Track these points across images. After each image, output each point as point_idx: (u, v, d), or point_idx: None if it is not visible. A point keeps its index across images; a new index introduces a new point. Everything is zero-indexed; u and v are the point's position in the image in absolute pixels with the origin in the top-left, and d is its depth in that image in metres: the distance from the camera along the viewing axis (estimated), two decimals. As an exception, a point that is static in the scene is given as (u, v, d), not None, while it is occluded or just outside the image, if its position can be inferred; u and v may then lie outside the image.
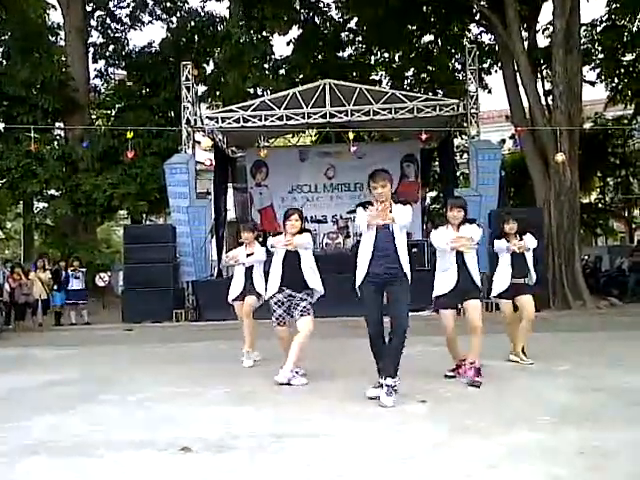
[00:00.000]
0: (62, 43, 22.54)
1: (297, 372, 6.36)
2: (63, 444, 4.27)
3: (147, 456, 3.94)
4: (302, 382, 6.24)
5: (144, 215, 22.44)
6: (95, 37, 23.37)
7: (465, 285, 6.15)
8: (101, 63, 23.65)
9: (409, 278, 5.46)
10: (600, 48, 20.12)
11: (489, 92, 22.82)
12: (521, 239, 7.18)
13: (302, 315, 6.38)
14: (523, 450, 3.80)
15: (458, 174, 20.69)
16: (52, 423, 4.92)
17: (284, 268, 6.46)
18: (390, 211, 5.42)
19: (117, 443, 4.23)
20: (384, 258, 5.41)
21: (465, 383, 5.91)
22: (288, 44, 22.55)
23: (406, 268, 5.45)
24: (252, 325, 7.77)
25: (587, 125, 21.77)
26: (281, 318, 6.54)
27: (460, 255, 6.17)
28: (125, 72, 23.73)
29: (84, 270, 16.17)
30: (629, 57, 20.40)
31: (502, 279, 7.21)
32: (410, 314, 5.36)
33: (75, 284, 15.60)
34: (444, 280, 6.26)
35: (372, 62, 24.29)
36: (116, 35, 23.57)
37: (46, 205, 21.36)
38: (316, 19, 22.94)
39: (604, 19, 19.96)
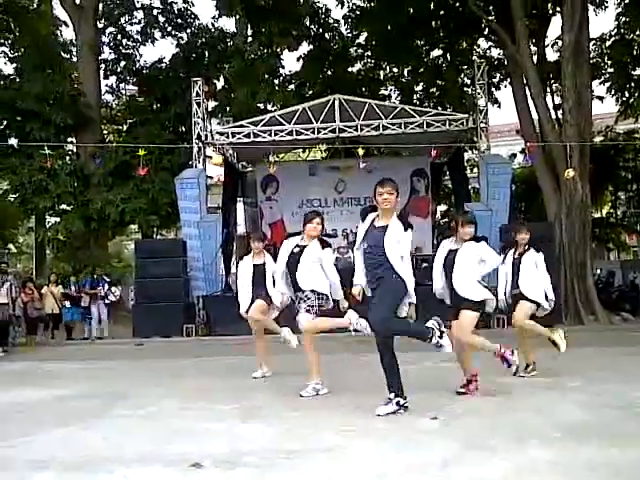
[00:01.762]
0: (74, 59, 22.78)
1: (316, 388, 6.35)
2: (73, 459, 4.26)
3: (156, 471, 3.92)
4: (309, 394, 6.27)
5: (155, 230, 22.54)
6: (107, 53, 23.68)
7: (454, 296, 6.04)
8: (112, 79, 24.03)
9: (399, 278, 5.18)
10: (610, 62, 20.15)
11: (499, 106, 22.86)
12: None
13: (303, 312, 6.38)
14: (533, 467, 3.76)
15: (469, 188, 20.65)
16: (62, 438, 4.92)
17: (289, 270, 6.49)
18: (388, 224, 5.29)
19: (127, 458, 4.21)
20: (374, 267, 5.28)
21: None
22: (298, 59, 22.74)
23: (398, 268, 5.18)
24: (262, 332, 7.78)
25: (598, 139, 21.71)
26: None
27: (448, 268, 6.04)
28: (136, 88, 23.96)
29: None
30: (639, 71, 20.38)
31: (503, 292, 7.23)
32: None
33: None
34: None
35: (381, 77, 24.40)
36: (127, 51, 23.83)
37: (58, 220, 21.53)
38: (325, 35, 23.10)
39: (613, 33, 20.00)
